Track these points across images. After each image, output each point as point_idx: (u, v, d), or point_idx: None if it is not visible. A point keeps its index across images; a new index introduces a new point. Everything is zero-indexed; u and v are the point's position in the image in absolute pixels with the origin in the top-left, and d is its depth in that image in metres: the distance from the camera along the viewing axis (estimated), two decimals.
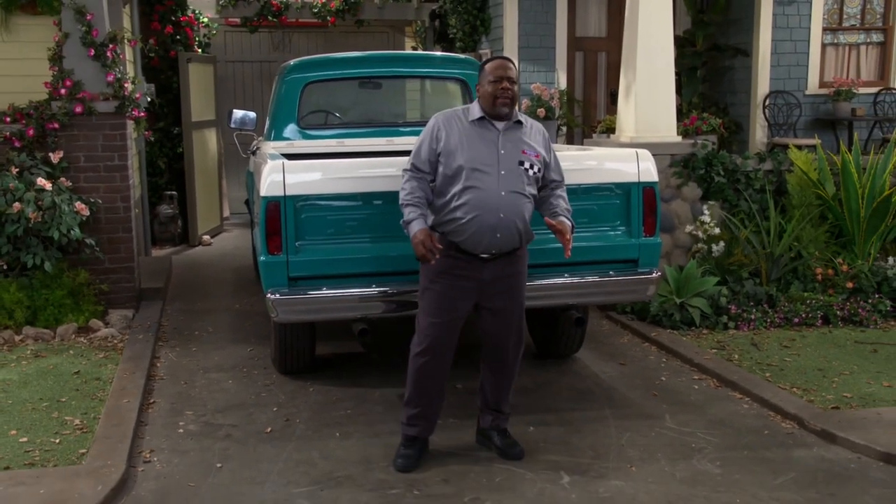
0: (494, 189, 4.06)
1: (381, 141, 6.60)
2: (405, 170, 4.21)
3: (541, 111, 8.84)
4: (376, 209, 4.77)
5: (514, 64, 4.27)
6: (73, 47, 6.67)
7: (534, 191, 4.22)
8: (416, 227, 4.05)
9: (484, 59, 4.38)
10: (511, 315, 4.30)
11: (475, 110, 4.19)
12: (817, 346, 6.08)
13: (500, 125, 4.16)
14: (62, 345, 6.16)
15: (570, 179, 4.94)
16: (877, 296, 6.78)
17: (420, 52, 11.77)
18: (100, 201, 6.81)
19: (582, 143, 9.32)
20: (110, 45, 6.74)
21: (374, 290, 4.76)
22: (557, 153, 4.43)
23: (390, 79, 7.15)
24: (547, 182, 4.32)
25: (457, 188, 4.08)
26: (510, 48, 10.02)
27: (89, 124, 6.76)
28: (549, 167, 4.31)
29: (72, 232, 6.40)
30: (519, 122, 4.23)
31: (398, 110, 7.65)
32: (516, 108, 4.26)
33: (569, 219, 4.24)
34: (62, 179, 6.62)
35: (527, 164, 4.15)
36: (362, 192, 4.74)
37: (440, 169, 4.13)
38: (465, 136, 4.14)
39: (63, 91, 6.64)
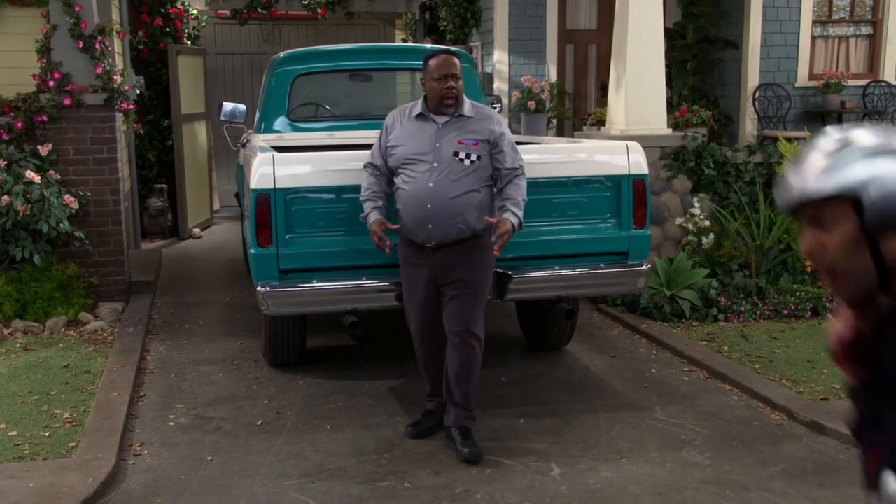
0: (423, 181, 4.17)
1: (371, 133, 6.55)
2: (363, 166, 4.43)
3: (531, 104, 8.84)
4: None
5: (457, 58, 4.31)
6: (62, 39, 6.64)
7: (479, 181, 4.21)
8: (372, 218, 4.31)
9: (427, 54, 4.38)
10: (462, 305, 4.26)
11: (417, 107, 4.33)
12: (806, 337, 6.10)
13: (440, 120, 4.25)
14: (51, 338, 6.15)
15: (561, 172, 4.95)
16: None
17: (410, 44, 11.74)
18: (89, 194, 6.78)
19: (572, 136, 9.32)
20: (99, 38, 6.71)
21: (364, 282, 4.76)
22: (550, 146, 4.42)
23: (380, 71, 7.13)
24: (500, 170, 4.27)
25: (397, 181, 4.30)
26: (500, 40, 10.00)
27: (78, 117, 6.73)
28: (501, 155, 4.24)
29: (61, 225, 6.37)
30: (462, 116, 4.25)
31: (388, 103, 7.62)
32: (464, 101, 4.29)
33: (516, 213, 4.17)
34: (51, 172, 6.59)
35: (462, 155, 4.17)
36: (352, 185, 4.73)
37: (388, 162, 4.35)
38: (406, 130, 4.30)
39: (51, 83, 6.61)
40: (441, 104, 4.22)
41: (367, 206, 4.35)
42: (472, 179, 4.19)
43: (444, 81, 4.18)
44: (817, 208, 1.59)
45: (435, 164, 4.17)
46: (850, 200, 1.55)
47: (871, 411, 1.60)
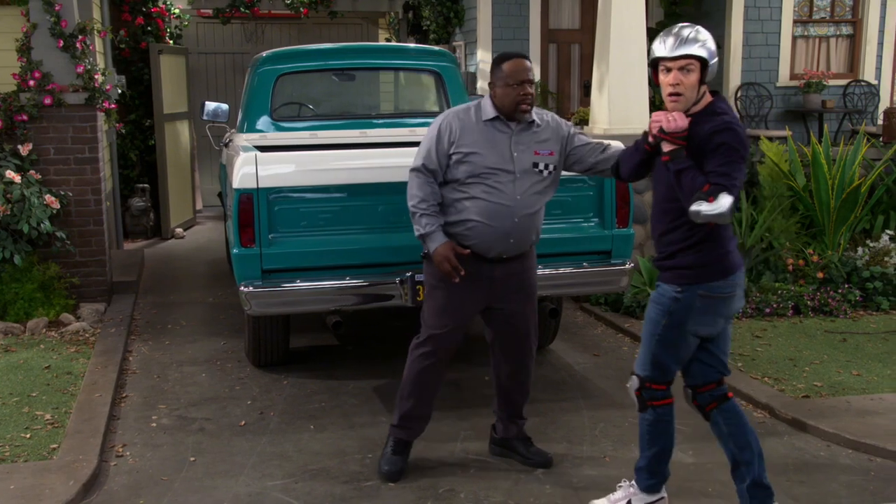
0: (510, 193, 3.91)
1: (354, 133, 6.58)
2: (413, 170, 3.95)
3: None
4: (350, 201, 4.76)
5: (530, 62, 4.04)
6: (42, 38, 6.59)
7: (551, 191, 4.09)
8: (438, 242, 3.87)
9: (499, 56, 4.03)
10: (528, 314, 4.16)
11: (488, 109, 3.98)
12: (788, 335, 6.14)
13: (513, 125, 3.97)
14: (32, 339, 6.10)
15: None
16: (846, 286, 6.86)
17: (394, 43, 11.74)
18: (70, 194, 6.73)
19: None
20: (80, 37, 6.66)
21: (347, 282, 4.76)
22: None
23: (364, 71, 7.12)
24: (585, 152, 4.09)
25: (470, 191, 3.91)
26: (484, 40, 10.02)
27: (59, 116, 6.69)
28: (582, 146, 4.09)
29: (42, 225, 6.32)
30: (532, 123, 4.01)
31: (372, 102, 7.63)
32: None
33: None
34: (32, 172, 6.54)
35: (541, 166, 3.99)
36: (335, 185, 4.73)
37: (450, 170, 3.94)
38: (478, 136, 3.94)
39: (32, 83, 6.56)
40: (517, 111, 3.91)
41: (426, 222, 3.89)
42: (548, 191, 4.07)
43: (522, 87, 3.88)
44: (689, 61, 3.28)
45: (518, 176, 3.92)
46: (700, 61, 3.29)
47: (688, 164, 3.28)
